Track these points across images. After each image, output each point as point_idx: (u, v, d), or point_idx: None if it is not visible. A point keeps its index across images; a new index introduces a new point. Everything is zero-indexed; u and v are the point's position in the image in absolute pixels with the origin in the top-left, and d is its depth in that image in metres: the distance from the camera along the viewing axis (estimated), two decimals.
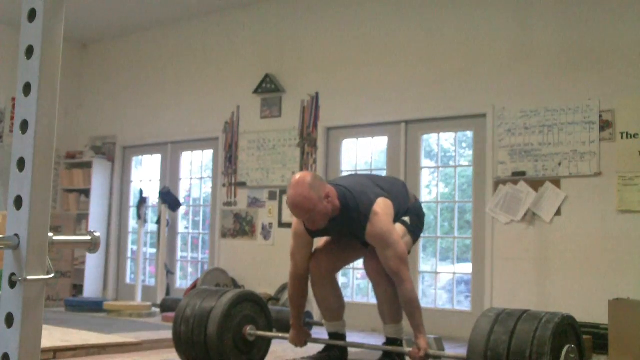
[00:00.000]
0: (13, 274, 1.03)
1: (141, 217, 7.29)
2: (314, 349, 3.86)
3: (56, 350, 3.92)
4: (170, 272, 7.45)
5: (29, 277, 1.02)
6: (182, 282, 7.71)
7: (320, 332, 4.69)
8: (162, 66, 7.98)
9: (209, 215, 7.52)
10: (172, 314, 5.16)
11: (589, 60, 5.27)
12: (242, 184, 7.08)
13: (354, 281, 6.50)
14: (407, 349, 3.45)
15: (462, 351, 3.16)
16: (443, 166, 6.23)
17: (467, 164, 6.04)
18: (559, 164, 5.31)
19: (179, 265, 7.78)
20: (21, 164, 1.05)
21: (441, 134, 6.16)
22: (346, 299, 4.01)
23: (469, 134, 5.97)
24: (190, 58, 7.71)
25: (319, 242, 3.82)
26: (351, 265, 6.27)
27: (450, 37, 5.94)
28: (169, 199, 7.28)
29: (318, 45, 6.73)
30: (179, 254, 7.79)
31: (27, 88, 1.06)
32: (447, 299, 6.08)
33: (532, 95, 5.48)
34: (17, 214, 1.04)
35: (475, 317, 3.13)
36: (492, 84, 5.68)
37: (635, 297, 4.63)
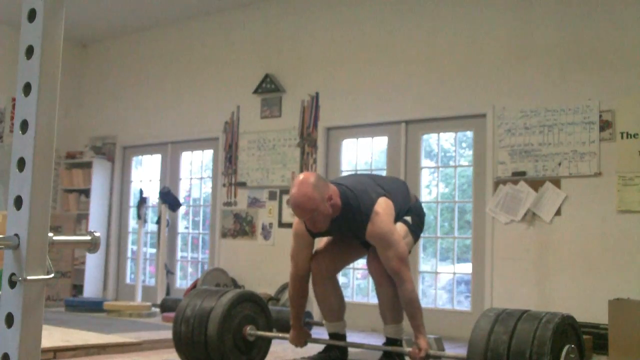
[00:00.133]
0: (13, 274, 1.03)
1: (141, 217, 7.29)
2: (314, 349, 3.86)
3: (56, 350, 3.91)
4: (170, 272, 7.45)
5: (29, 277, 1.02)
6: (182, 282, 7.71)
7: (320, 332, 4.69)
8: (162, 66, 7.98)
9: (209, 215, 7.52)
10: (172, 314, 5.16)
11: (589, 60, 5.27)
12: (242, 184, 7.08)
13: (354, 281, 6.50)
14: (407, 349, 3.45)
15: (462, 351, 3.16)
16: (443, 166, 6.23)
17: (467, 164, 6.04)
18: (559, 164, 5.31)
19: (179, 265, 7.78)
20: (21, 164, 1.05)
21: (441, 134, 6.16)
22: (346, 299, 4.00)
23: (469, 134, 5.97)
24: (190, 58, 7.71)
25: (320, 242, 3.83)
26: (351, 265, 6.27)
27: (450, 37, 5.94)
28: (169, 199, 7.28)
29: (318, 45, 6.73)
30: (179, 254, 7.79)
31: (27, 88, 1.06)
32: (447, 299, 6.08)
33: (532, 95, 5.48)
34: (17, 214, 1.04)
35: (475, 317, 3.13)
36: (492, 84, 5.68)
37: (635, 297, 4.62)
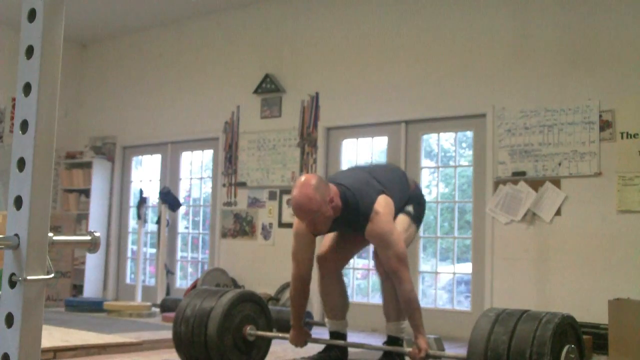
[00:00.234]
0: (13, 274, 1.03)
1: (141, 217, 7.29)
2: (314, 349, 3.86)
3: (56, 350, 3.91)
4: (170, 272, 7.45)
5: (29, 277, 1.02)
6: (182, 282, 7.71)
7: (320, 332, 4.69)
8: (162, 66, 7.98)
9: (209, 215, 7.51)
10: (172, 314, 5.15)
11: (589, 60, 5.27)
12: (242, 184, 7.08)
13: (354, 281, 6.50)
14: (407, 349, 3.45)
15: (462, 351, 3.16)
16: (443, 166, 6.23)
17: (467, 164, 6.04)
18: (559, 164, 5.31)
19: (179, 265, 7.78)
20: (21, 164, 1.05)
21: (441, 134, 6.16)
22: None
23: (469, 134, 5.97)
24: (190, 58, 7.71)
25: (325, 238, 3.83)
26: (351, 265, 6.29)
27: (450, 37, 5.94)
28: (169, 199, 7.28)
29: (318, 45, 6.73)
30: (179, 254, 7.79)
31: (27, 88, 1.06)
32: (447, 299, 6.08)
33: (532, 95, 5.48)
34: (17, 214, 1.04)
35: (475, 317, 3.13)
36: (492, 84, 5.68)
37: (635, 297, 4.62)
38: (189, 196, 7.88)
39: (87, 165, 8.22)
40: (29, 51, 1.06)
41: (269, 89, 6.91)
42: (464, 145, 6.17)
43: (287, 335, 3.73)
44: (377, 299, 6.32)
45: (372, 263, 6.39)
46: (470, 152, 5.95)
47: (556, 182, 5.31)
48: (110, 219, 8.21)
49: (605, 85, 5.17)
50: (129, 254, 8.18)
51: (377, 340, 4.36)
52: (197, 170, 7.83)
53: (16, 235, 1.04)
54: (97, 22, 8.00)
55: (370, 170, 3.80)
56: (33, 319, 1.03)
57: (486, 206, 5.60)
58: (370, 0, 6.44)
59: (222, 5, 7.31)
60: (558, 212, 5.28)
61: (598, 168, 5.13)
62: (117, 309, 6.50)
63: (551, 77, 5.42)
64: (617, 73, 5.14)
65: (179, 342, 3.71)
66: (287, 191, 6.65)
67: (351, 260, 5.21)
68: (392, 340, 3.72)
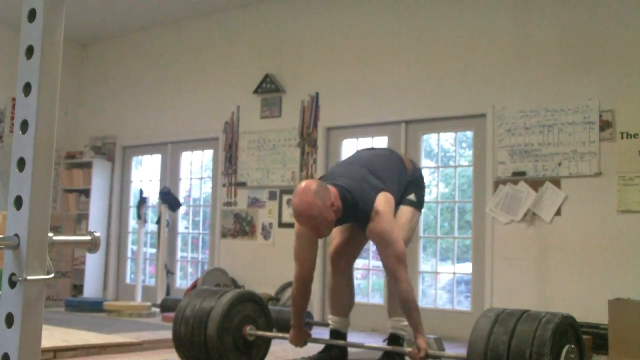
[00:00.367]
0: (13, 274, 1.03)
1: (141, 217, 7.29)
2: (314, 349, 3.86)
3: (56, 350, 3.91)
4: (170, 272, 7.45)
5: (29, 277, 1.02)
6: (182, 282, 7.71)
7: (320, 332, 4.69)
8: (162, 66, 7.98)
9: (209, 215, 7.51)
10: (172, 314, 5.15)
11: (589, 60, 5.27)
12: (242, 184, 7.08)
13: (354, 281, 6.49)
14: (407, 349, 3.45)
15: (462, 351, 3.16)
16: (443, 166, 6.23)
17: (467, 164, 6.04)
18: (559, 164, 5.31)
19: (179, 265, 7.78)
20: (21, 164, 1.05)
21: (441, 134, 6.16)
22: None
23: (469, 134, 5.97)
24: (190, 58, 7.71)
25: (334, 234, 3.84)
26: None
27: (450, 37, 5.94)
28: (169, 199, 7.28)
29: (318, 45, 6.73)
30: (179, 254, 7.79)
31: (27, 88, 1.06)
32: (447, 299, 6.08)
33: (532, 95, 5.48)
34: (17, 214, 1.04)
35: (475, 317, 3.13)
36: (492, 84, 5.68)
37: (635, 297, 4.63)
38: (189, 196, 7.88)
39: (87, 165, 8.22)
40: (29, 51, 1.06)
41: (269, 89, 6.91)
42: (464, 145, 6.17)
43: (287, 335, 3.73)
44: (377, 299, 6.32)
45: (372, 263, 6.40)
46: (470, 152, 5.95)
47: (556, 182, 5.31)
48: (110, 219, 8.21)
49: (605, 85, 5.17)
50: (129, 254, 8.18)
51: (377, 340, 4.36)
52: (197, 170, 7.83)
53: (16, 235, 1.04)
54: (97, 22, 8.00)
55: (367, 164, 3.72)
56: (33, 319, 1.03)
57: (486, 206, 5.60)
58: (370, 0, 6.44)
59: (222, 5, 7.31)
60: (558, 212, 5.28)
61: (598, 168, 5.13)
62: (117, 309, 6.50)
63: (551, 77, 5.42)
64: (617, 73, 5.14)
65: (179, 342, 3.71)
66: (287, 191, 6.65)
67: None
68: (394, 337, 3.72)
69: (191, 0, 7.24)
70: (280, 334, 3.86)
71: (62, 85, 1.11)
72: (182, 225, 7.87)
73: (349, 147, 6.59)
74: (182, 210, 7.69)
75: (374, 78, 6.31)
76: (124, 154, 8.33)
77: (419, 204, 3.84)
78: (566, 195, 5.26)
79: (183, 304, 3.79)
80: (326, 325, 4.23)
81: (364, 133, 6.48)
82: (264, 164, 6.92)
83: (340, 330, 3.83)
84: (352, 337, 4.12)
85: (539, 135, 5.40)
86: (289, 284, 6.26)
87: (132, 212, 8.05)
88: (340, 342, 3.79)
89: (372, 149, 4.26)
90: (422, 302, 5.88)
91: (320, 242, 3.80)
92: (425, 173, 6.18)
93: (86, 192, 8.17)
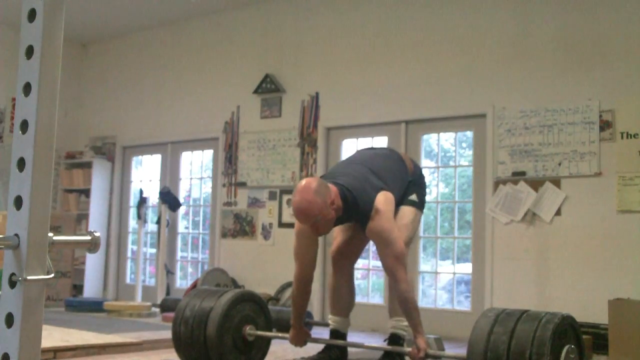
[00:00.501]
0: (13, 274, 1.03)
1: (141, 217, 7.29)
2: (313, 349, 3.86)
3: (56, 350, 3.91)
4: (170, 272, 7.45)
5: (29, 277, 1.02)
6: (182, 282, 7.71)
7: (320, 332, 4.69)
8: (162, 66, 7.98)
9: (209, 215, 7.52)
10: (172, 314, 5.15)
11: (589, 60, 5.27)
12: (242, 184, 7.08)
13: (355, 281, 6.49)
14: (407, 349, 3.45)
15: (462, 351, 3.16)
16: (443, 166, 6.23)
17: (467, 164, 6.04)
18: (559, 164, 5.31)
19: (179, 265, 7.78)
20: (21, 164, 1.05)
21: (441, 134, 6.16)
22: None
23: (469, 134, 5.97)
24: (190, 58, 7.71)
25: (335, 234, 3.84)
26: None
27: (450, 37, 5.94)
28: (169, 199, 7.28)
29: (318, 45, 6.73)
30: (179, 254, 7.79)
31: (27, 88, 1.06)
32: (447, 299, 6.08)
33: (532, 95, 5.48)
34: (17, 214, 1.04)
35: (475, 317, 3.13)
36: (492, 84, 5.68)
37: (635, 297, 4.62)
38: (189, 196, 7.88)
39: (87, 165, 8.22)
40: (29, 51, 1.06)
41: (269, 89, 6.91)
42: (464, 145, 6.17)
43: (287, 335, 3.73)
44: (377, 299, 6.32)
45: (372, 263, 6.40)
46: (470, 152, 5.95)
47: (556, 182, 5.31)
48: (110, 219, 8.21)
49: (605, 85, 5.17)
50: (129, 254, 8.18)
51: (377, 340, 4.36)
52: (197, 170, 7.83)
53: (16, 235, 1.04)
54: (97, 22, 8.00)
55: (368, 163, 3.73)
56: (33, 319, 1.03)
57: (486, 206, 5.60)
58: (370, 0, 6.44)
59: (222, 5, 7.31)
60: (558, 212, 5.28)
61: (598, 168, 5.13)
62: (117, 309, 6.50)
63: (551, 77, 5.42)
64: (617, 73, 5.14)
65: (179, 342, 3.71)
66: (287, 191, 6.65)
67: None
68: (395, 337, 3.72)
69: (191, 1, 7.24)
70: (280, 334, 3.86)
71: (62, 85, 1.11)
72: (182, 225, 7.87)
73: (349, 147, 6.59)
74: (182, 210, 7.69)
75: (374, 78, 6.31)
76: (124, 154, 8.33)
77: (420, 204, 3.84)
78: (566, 195, 5.26)
79: (183, 304, 3.78)
80: (326, 325, 4.23)
81: (364, 133, 6.48)
82: (264, 164, 6.92)
83: (340, 330, 3.83)
84: (352, 337, 4.12)
85: (539, 135, 5.40)
86: (289, 284, 6.26)
87: (132, 212, 8.05)
88: (340, 342, 3.79)
89: (373, 148, 4.26)
90: (422, 302, 5.88)
91: (320, 242, 3.80)
92: (425, 173, 6.19)
93: (86, 192, 8.17)
